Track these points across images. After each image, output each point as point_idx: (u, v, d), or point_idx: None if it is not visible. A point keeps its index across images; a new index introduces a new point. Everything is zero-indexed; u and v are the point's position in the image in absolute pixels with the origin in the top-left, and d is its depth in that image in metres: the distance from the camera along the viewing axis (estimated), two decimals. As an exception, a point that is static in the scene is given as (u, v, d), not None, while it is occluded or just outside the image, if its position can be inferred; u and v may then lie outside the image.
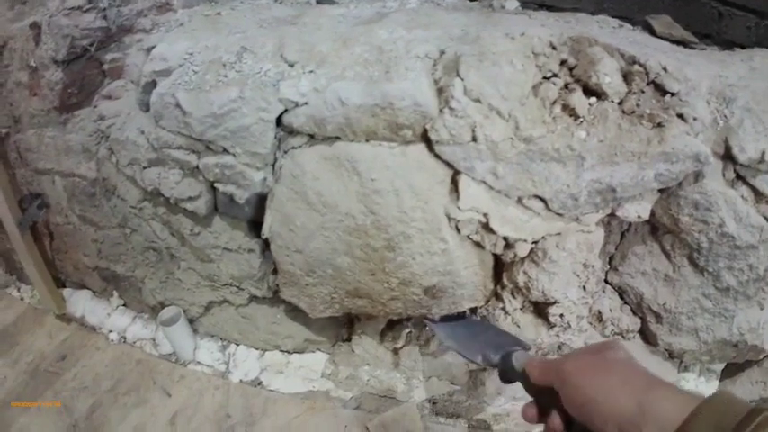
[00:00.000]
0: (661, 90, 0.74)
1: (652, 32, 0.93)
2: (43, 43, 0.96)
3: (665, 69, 0.74)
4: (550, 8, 1.04)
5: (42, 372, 1.06)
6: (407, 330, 0.90)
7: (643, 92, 0.75)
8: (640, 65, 0.75)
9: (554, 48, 0.77)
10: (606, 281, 0.89)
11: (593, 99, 0.74)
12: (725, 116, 0.73)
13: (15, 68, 1.00)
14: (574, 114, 0.74)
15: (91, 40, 0.94)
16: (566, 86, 0.76)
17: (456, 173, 0.76)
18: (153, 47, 0.90)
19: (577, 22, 0.90)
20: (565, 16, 0.93)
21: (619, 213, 0.78)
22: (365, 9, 0.92)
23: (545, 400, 0.43)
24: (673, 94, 0.73)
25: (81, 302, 1.20)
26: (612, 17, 0.94)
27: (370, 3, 0.95)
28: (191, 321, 1.09)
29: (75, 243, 1.12)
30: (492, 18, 0.85)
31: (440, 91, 0.73)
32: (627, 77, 0.75)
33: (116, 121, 0.92)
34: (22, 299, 1.28)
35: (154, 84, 0.86)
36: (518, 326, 0.87)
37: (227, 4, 1.00)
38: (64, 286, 1.28)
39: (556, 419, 0.41)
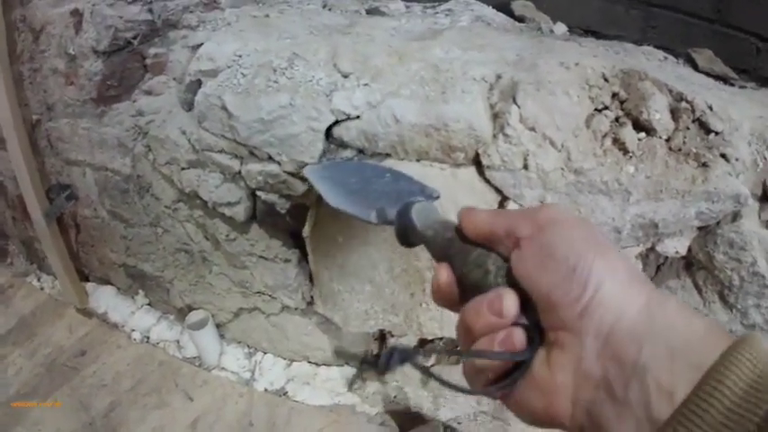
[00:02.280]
0: (705, 128, 0.74)
1: (694, 66, 0.94)
2: (84, 32, 0.94)
3: (710, 108, 0.74)
4: (596, 33, 1.06)
5: (60, 366, 1.05)
6: (440, 350, 0.90)
7: (688, 129, 0.76)
8: (687, 102, 0.75)
9: (606, 80, 0.78)
10: (637, 312, 0.90)
11: (642, 134, 0.75)
12: (765, 158, 0.74)
13: (52, 54, 0.98)
14: (624, 149, 0.74)
15: (135, 32, 0.92)
16: (616, 120, 0.76)
17: (504, 198, 0.75)
18: (198, 44, 0.89)
19: (626, 54, 0.90)
20: (613, 45, 0.93)
21: (658, 248, 0.79)
22: (417, 24, 0.91)
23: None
24: (716, 133, 0.74)
25: (104, 298, 1.18)
26: (655, 47, 0.95)
27: (421, 18, 0.94)
28: (218, 326, 1.08)
29: (103, 238, 1.10)
30: (544, 44, 0.85)
31: (495, 116, 0.72)
32: (674, 114, 0.75)
33: (155, 117, 0.91)
34: (41, 289, 1.25)
35: (198, 83, 0.84)
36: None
37: (275, 6, 0.99)
38: (87, 280, 1.25)
39: (444, 273, 0.32)
